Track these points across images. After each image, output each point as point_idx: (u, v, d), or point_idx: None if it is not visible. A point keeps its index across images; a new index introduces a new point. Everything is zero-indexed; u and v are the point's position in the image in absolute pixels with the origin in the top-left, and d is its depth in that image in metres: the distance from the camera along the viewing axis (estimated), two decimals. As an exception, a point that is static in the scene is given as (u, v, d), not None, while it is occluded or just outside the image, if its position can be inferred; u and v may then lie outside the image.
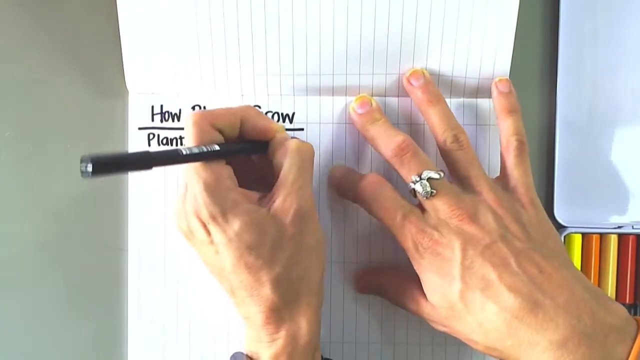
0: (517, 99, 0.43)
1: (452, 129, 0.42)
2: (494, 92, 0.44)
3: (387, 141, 0.41)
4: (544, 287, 0.36)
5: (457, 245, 0.38)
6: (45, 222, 0.45)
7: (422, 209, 0.40)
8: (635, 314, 0.47)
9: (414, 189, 0.40)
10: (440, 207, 0.39)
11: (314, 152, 0.40)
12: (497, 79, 0.44)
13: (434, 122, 0.42)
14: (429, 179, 0.39)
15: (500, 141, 0.43)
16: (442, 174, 0.40)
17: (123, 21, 0.43)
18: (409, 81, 0.43)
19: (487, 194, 0.40)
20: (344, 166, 0.44)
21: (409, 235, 0.39)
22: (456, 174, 0.42)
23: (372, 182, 0.41)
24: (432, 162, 0.41)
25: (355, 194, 0.42)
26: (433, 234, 0.39)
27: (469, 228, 0.38)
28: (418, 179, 0.39)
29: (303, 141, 0.40)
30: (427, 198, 0.39)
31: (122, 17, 0.43)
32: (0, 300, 0.45)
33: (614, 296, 0.46)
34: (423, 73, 0.43)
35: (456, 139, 0.41)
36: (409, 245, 0.40)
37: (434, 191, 0.39)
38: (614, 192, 0.46)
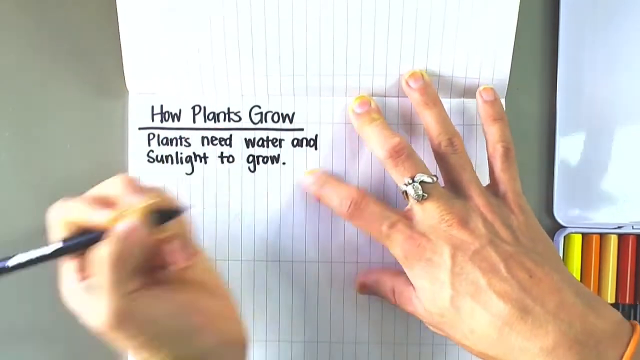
0: (502, 107, 0.43)
1: (447, 132, 0.41)
2: (479, 101, 0.43)
3: (382, 142, 0.41)
4: (534, 292, 0.36)
5: (446, 250, 0.38)
6: (45, 222, 0.45)
7: (410, 217, 0.40)
8: (635, 314, 0.46)
9: (405, 192, 0.40)
10: (431, 212, 0.39)
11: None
12: (481, 88, 0.44)
13: (429, 124, 0.42)
14: (421, 182, 0.39)
15: (487, 149, 0.43)
16: (435, 178, 0.40)
17: (123, 21, 0.43)
18: (407, 83, 0.43)
19: (478, 199, 0.40)
20: (323, 177, 0.44)
21: (397, 243, 0.39)
22: (448, 177, 0.42)
23: (355, 201, 0.41)
24: (425, 165, 0.41)
25: (338, 212, 0.42)
26: (422, 240, 0.39)
27: (459, 233, 0.38)
28: (410, 181, 0.39)
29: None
30: (418, 201, 0.39)
31: (122, 17, 0.43)
32: (0, 299, 0.45)
33: (613, 296, 0.46)
34: (422, 75, 0.43)
35: (450, 143, 0.41)
36: (398, 253, 0.40)
37: (426, 195, 0.39)
38: (614, 192, 0.46)
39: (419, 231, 0.39)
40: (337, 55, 0.43)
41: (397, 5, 0.43)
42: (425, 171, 0.40)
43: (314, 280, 0.45)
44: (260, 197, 0.45)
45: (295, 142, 0.45)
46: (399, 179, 0.40)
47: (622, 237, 0.46)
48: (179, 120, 0.44)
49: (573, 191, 0.46)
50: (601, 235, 0.46)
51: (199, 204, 0.45)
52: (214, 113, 0.44)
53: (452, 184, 0.41)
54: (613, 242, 0.46)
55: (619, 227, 0.46)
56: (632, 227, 0.46)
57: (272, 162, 0.45)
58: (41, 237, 0.45)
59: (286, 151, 0.45)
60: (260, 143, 0.45)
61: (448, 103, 0.44)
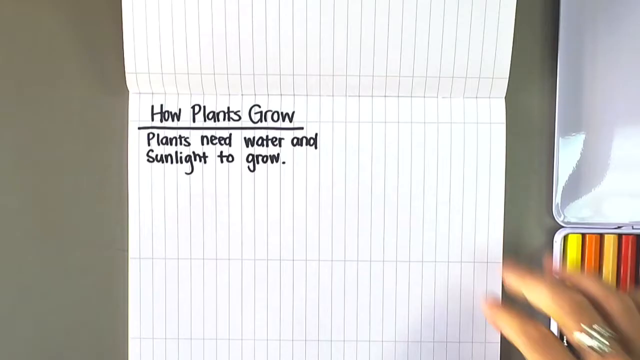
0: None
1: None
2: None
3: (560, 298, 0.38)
4: None
5: None
6: (45, 222, 0.45)
7: None
8: (634, 314, 0.46)
9: (589, 345, 0.36)
10: None
11: None
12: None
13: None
14: (603, 335, 0.36)
15: None
16: (614, 333, 0.37)
17: (126, 21, 0.43)
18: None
19: None
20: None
21: None
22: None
23: (542, 337, 0.38)
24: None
25: (520, 341, 0.38)
26: None
27: None
28: (594, 333, 0.36)
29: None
30: (602, 355, 0.36)
31: (126, 16, 0.42)
32: (0, 299, 0.46)
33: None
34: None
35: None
36: None
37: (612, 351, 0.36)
38: (614, 192, 0.46)
39: None
40: (337, 55, 0.43)
41: (396, 5, 0.42)
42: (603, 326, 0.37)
43: (315, 278, 0.45)
44: (260, 196, 0.45)
45: (295, 141, 0.45)
46: (575, 326, 0.37)
47: (621, 238, 0.46)
48: (178, 119, 0.44)
49: (572, 191, 0.46)
50: (600, 235, 0.46)
51: (199, 203, 0.45)
52: (213, 112, 0.44)
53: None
54: (612, 243, 0.46)
55: (619, 227, 0.46)
56: (632, 227, 0.46)
57: (272, 162, 0.45)
58: (40, 236, 0.45)
59: (286, 150, 0.45)
60: (259, 142, 0.45)
61: (448, 103, 0.44)
